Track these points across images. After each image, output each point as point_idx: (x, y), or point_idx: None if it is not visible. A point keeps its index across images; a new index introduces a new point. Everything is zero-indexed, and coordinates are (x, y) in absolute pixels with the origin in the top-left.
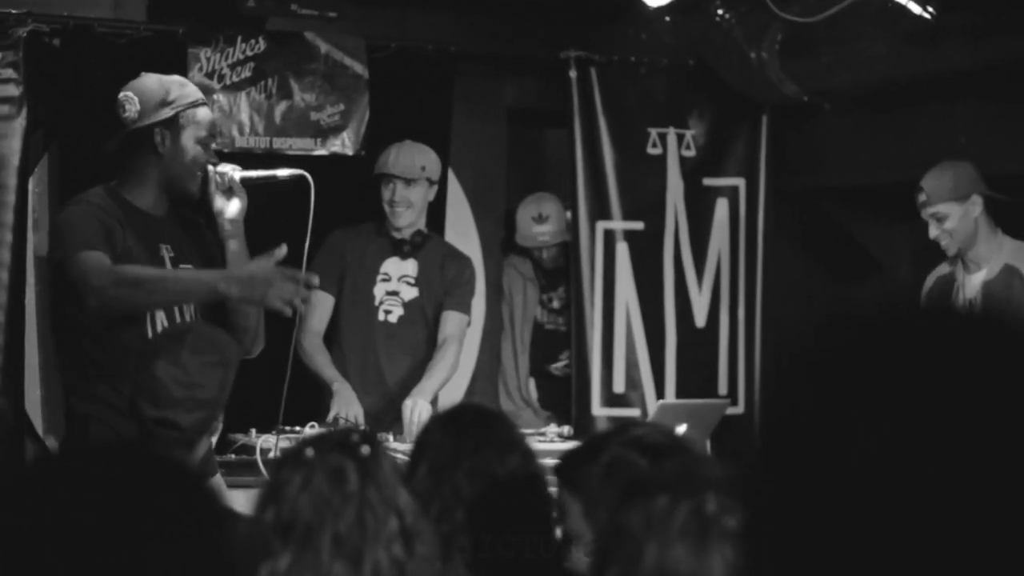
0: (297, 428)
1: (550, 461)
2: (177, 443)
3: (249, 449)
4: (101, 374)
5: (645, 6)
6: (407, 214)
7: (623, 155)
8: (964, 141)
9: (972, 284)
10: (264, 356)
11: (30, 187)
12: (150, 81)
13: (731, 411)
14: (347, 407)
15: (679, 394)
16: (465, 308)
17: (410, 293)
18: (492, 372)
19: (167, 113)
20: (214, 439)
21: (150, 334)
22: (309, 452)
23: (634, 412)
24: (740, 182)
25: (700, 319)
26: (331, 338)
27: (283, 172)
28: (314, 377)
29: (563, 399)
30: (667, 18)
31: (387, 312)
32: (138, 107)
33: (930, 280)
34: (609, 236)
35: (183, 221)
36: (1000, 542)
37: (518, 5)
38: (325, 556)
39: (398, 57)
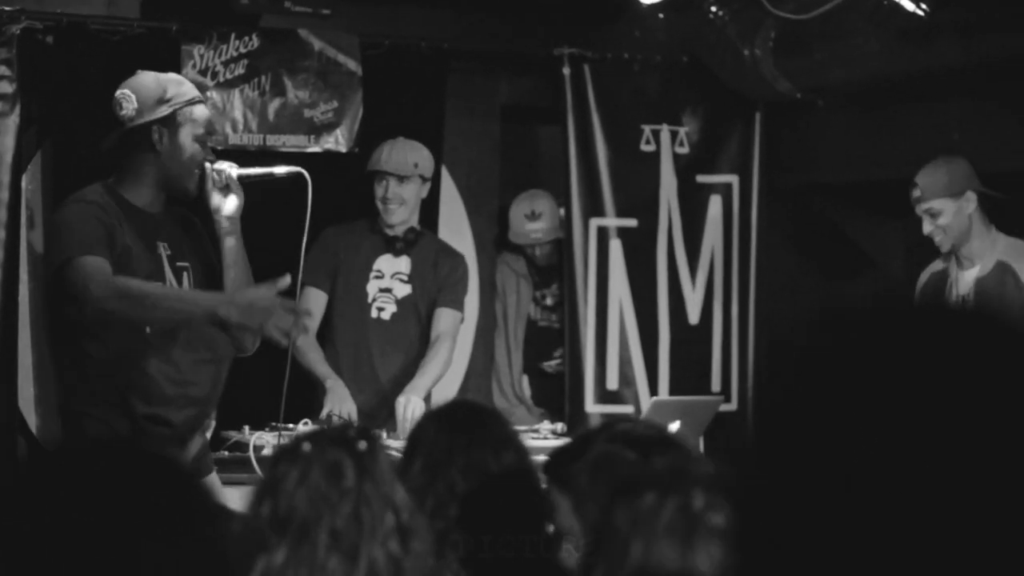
0: (291, 425)
1: (543, 458)
2: (169, 440)
3: (242, 446)
4: (99, 372)
5: (639, 3)
6: (400, 211)
7: (616, 152)
8: (957, 138)
9: (965, 280)
10: (257, 353)
11: (23, 184)
12: (147, 79)
13: (724, 408)
14: (340, 404)
15: (672, 391)
16: (458, 305)
17: (403, 290)
18: (485, 369)
19: (164, 111)
20: (208, 435)
21: (148, 331)
22: (306, 447)
23: (627, 409)
24: (733, 179)
25: (693, 316)
26: (324, 335)
27: (280, 169)
28: (307, 374)
29: (556, 396)
30: (660, 15)
31: (380, 309)
32: (135, 105)
33: (924, 276)
34: (602, 233)
35: (179, 219)
36: (994, 538)
37: (512, 2)
38: (321, 551)
39: (391, 54)
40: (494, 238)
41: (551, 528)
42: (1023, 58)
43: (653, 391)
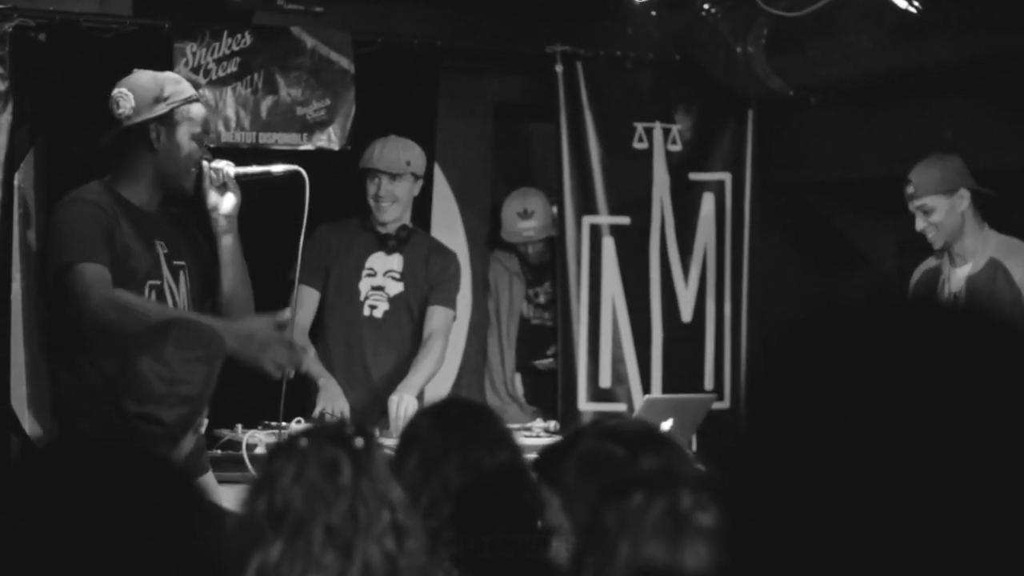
0: (284, 423)
1: (535, 456)
2: (160, 439)
3: (235, 444)
4: (94, 370)
5: (631, 1)
6: (392, 209)
7: (609, 150)
8: (950, 136)
9: (957, 278)
10: None
11: (16, 182)
12: (145, 77)
13: (717, 406)
14: (333, 402)
15: (665, 389)
16: (450, 303)
17: (395, 288)
18: (478, 367)
19: (162, 109)
20: (201, 431)
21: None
22: (303, 443)
23: (620, 407)
24: (726, 176)
25: (686, 314)
26: (316, 333)
27: (278, 168)
28: (301, 373)
29: (549, 394)
30: (653, 13)
31: (372, 307)
32: (133, 103)
33: (917, 273)
34: (595, 231)
35: (175, 218)
36: (987, 536)
37: (504, 0)
38: (316, 547)
39: (384, 52)
40: (487, 236)
41: (541, 526)
42: (1015, 55)
43: (646, 389)
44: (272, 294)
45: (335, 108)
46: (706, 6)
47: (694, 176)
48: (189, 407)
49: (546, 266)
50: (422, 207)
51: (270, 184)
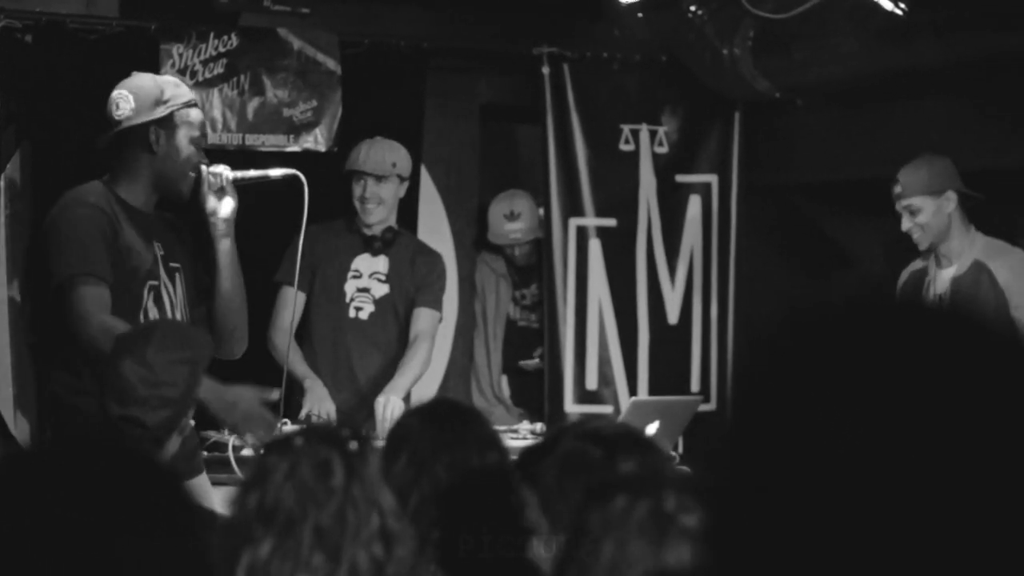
0: (286, 421)
1: None
2: (143, 441)
3: (221, 446)
4: (90, 369)
5: (618, 2)
6: (378, 211)
7: (596, 151)
8: (935, 137)
9: (943, 279)
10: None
11: (2, 184)
12: (145, 80)
13: (703, 408)
14: (319, 404)
15: (652, 391)
16: (436, 305)
17: (381, 290)
18: (464, 369)
19: (162, 112)
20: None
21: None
22: (298, 441)
23: (607, 409)
24: (713, 178)
25: (673, 316)
26: (302, 335)
27: (276, 172)
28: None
29: (535, 396)
30: (639, 14)
31: (358, 309)
32: (133, 105)
33: (905, 275)
34: (582, 233)
35: (168, 222)
36: (968, 537)
37: (491, 1)
38: (305, 548)
39: (371, 53)
40: (473, 238)
41: (521, 525)
42: (1000, 57)
43: (632, 391)
44: (258, 296)
45: (322, 109)
46: (692, 8)
47: (680, 178)
48: (172, 409)
49: (532, 268)
50: (408, 209)
51: (263, 188)
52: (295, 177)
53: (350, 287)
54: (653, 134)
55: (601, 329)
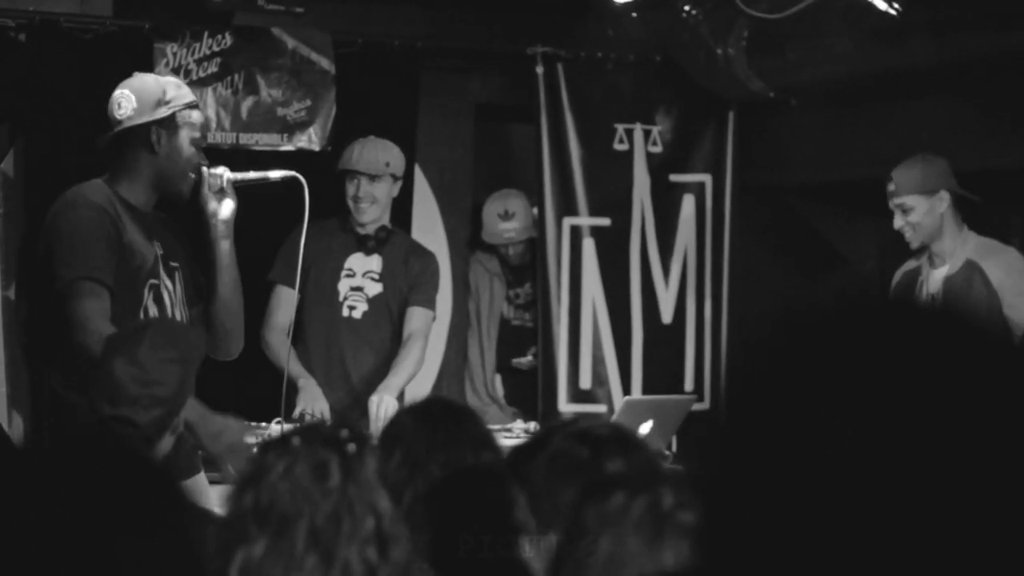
0: (263, 424)
1: None
2: (134, 440)
3: None
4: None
5: (612, 2)
6: (371, 210)
7: (590, 151)
8: (927, 137)
9: (935, 279)
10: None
11: None
12: (147, 80)
13: (697, 407)
14: (313, 403)
15: (645, 390)
16: (430, 304)
17: (374, 289)
18: (458, 368)
19: (163, 112)
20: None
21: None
22: (296, 441)
23: (600, 408)
24: (707, 178)
25: (667, 315)
26: (295, 334)
27: (276, 174)
28: (279, 373)
29: (529, 395)
30: (634, 14)
31: (351, 308)
32: (135, 104)
33: (898, 274)
34: (576, 232)
35: (166, 222)
36: (962, 534)
37: (485, 1)
38: (299, 548)
39: (365, 52)
40: (467, 237)
41: (510, 523)
42: (995, 57)
43: (626, 390)
44: (253, 296)
45: (316, 109)
46: (687, 8)
47: (674, 177)
48: (164, 408)
49: (526, 267)
50: (402, 208)
51: (261, 189)
52: (294, 179)
53: (343, 286)
54: (647, 134)
55: (595, 328)
